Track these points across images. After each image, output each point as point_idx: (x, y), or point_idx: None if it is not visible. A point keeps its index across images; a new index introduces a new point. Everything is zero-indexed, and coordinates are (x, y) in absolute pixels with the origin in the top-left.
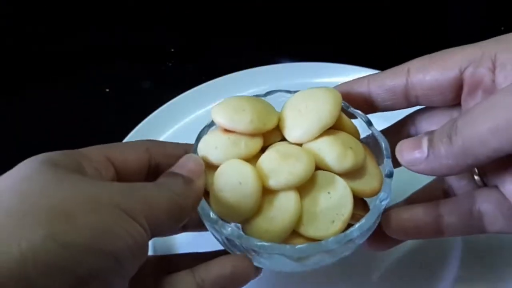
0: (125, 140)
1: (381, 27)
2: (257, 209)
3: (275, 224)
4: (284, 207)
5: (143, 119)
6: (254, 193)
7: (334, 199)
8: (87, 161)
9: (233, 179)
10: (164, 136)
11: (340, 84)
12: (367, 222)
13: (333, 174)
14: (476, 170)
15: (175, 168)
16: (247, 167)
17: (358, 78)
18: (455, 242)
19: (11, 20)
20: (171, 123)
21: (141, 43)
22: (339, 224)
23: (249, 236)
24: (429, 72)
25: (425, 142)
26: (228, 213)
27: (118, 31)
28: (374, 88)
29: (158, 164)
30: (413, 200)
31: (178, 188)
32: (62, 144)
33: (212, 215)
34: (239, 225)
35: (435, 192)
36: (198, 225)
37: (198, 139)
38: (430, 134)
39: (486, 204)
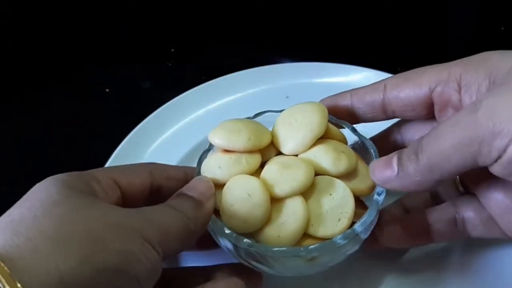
0: (125, 140)
1: (381, 27)
2: (267, 218)
3: (287, 229)
4: (293, 212)
5: (143, 119)
6: (264, 202)
7: (337, 199)
8: (96, 183)
9: (242, 193)
10: (164, 136)
11: (325, 98)
12: (369, 216)
13: (331, 177)
14: (458, 179)
15: (187, 190)
16: (253, 180)
17: (342, 93)
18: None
19: (11, 20)
20: (171, 123)
21: (141, 43)
22: (345, 222)
23: (263, 244)
24: (402, 89)
25: (395, 161)
26: (241, 225)
27: (118, 31)
28: (355, 102)
29: (159, 186)
30: (403, 204)
31: (189, 212)
32: (62, 144)
33: (227, 230)
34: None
35: (424, 196)
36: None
37: (199, 163)
38: (400, 153)
39: (467, 212)
